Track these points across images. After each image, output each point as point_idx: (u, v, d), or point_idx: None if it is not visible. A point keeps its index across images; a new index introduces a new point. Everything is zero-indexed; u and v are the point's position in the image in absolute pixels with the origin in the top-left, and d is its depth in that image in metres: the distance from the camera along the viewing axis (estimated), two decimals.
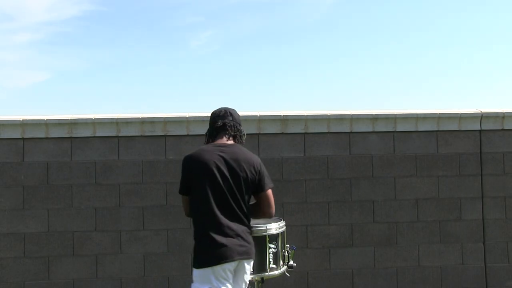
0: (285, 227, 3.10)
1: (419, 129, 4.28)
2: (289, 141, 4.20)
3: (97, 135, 4.07)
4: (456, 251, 4.29)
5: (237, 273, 2.65)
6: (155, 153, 4.11)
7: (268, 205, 2.76)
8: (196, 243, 2.67)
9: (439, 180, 4.29)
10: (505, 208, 4.32)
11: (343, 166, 4.23)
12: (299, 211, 4.18)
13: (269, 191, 2.76)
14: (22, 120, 4.00)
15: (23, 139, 4.04)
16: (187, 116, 4.11)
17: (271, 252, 2.93)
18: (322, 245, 4.20)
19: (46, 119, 4.01)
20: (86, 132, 4.06)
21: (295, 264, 3.11)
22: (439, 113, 4.27)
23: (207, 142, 2.80)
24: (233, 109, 2.87)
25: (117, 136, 4.09)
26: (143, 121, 4.07)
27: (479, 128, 4.33)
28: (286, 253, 3.09)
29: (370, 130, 4.24)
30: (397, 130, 4.27)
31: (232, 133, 2.78)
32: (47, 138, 4.04)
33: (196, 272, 2.63)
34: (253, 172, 2.68)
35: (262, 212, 2.79)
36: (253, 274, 2.84)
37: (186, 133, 4.11)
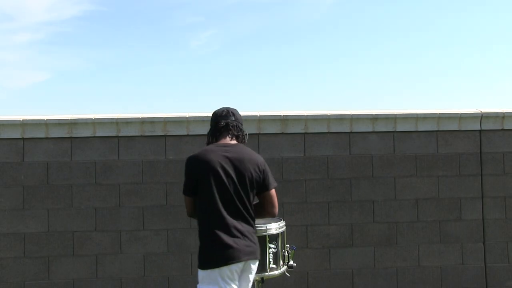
0: (285, 227, 3.10)
1: (419, 129, 4.28)
2: (289, 141, 4.20)
3: (97, 135, 4.07)
4: (456, 251, 4.29)
5: (243, 274, 2.64)
6: (155, 153, 4.11)
7: (272, 204, 2.76)
8: (202, 243, 2.64)
9: (439, 180, 4.29)
10: (505, 208, 4.32)
11: (343, 166, 4.23)
12: (299, 211, 4.18)
13: (273, 191, 2.76)
14: (22, 120, 4.00)
15: (23, 139, 4.04)
16: (187, 116, 4.11)
17: (271, 252, 2.94)
18: (322, 245, 4.20)
19: (46, 119, 4.01)
20: (86, 132, 4.06)
21: (295, 264, 3.11)
22: (439, 113, 4.27)
23: (210, 142, 2.78)
24: (234, 109, 2.86)
25: (117, 136, 4.09)
26: (143, 121, 4.07)
27: (479, 128, 4.33)
28: (286, 253, 3.09)
29: (370, 130, 4.25)
30: (397, 130, 4.27)
31: (235, 133, 2.77)
32: (47, 138, 4.04)
33: (202, 273, 2.60)
34: (258, 171, 2.67)
35: (266, 211, 2.78)
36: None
37: (186, 133, 4.11)
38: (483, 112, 4.31)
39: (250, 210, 2.67)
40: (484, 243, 4.32)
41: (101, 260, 4.05)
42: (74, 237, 4.04)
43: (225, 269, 2.54)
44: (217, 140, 2.75)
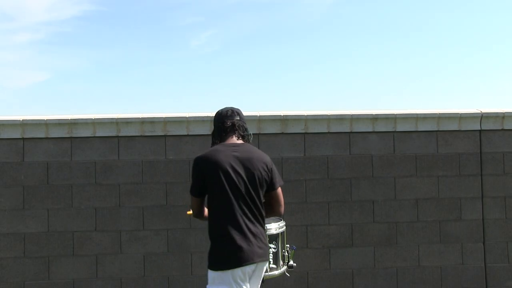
0: (285, 227, 3.09)
1: (419, 129, 4.28)
2: (289, 141, 4.20)
3: (97, 135, 4.07)
4: (456, 251, 4.29)
5: (254, 274, 2.62)
6: (155, 153, 4.11)
7: (279, 203, 2.75)
8: (214, 244, 2.59)
9: (439, 180, 4.29)
10: (505, 208, 4.32)
11: (343, 166, 4.23)
12: (299, 211, 4.18)
13: (280, 189, 2.75)
14: (22, 120, 4.00)
15: (23, 139, 4.04)
16: (187, 116, 4.11)
17: (271, 252, 2.93)
18: (322, 245, 4.20)
19: (46, 119, 4.01)
20: (86, 132, 4.06)
21: (295, 264, 3.11)
22: (439, 113, 4.27)
23: (215, 143, 2.73)
24: (238, 109, 2.83)
25: (117, 136, 4.09)
26: (143, 121, 4.07)
27: (479, 128, 4.33)
28: (286, 253, 3.09)
29: (370, 130, 4.25)
30: (397, 130, 4.27)
31: (242, 133, 2.74)
32: (47, 138, 4.04)
33: (213, 274, 2.56)
34: (266, 170, 2.66)
35: (273, 210, 2.76)
36: None
37: (186, 133, 4.11)
38: (483, 112, 4.31)
39: (261, 209, 2.65)
40: (484, 243, 4.32)
41: (101, 260, 4.05)
42: (74, 237, 4.04)
43: (238, 271, 2.51)
44: (223, 140, 2.71)
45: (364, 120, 4.23)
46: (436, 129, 4.29)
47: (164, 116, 4.08)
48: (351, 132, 4.24)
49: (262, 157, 2.70)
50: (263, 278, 2.90)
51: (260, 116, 4.14)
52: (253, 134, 4.04)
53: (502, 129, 4.34)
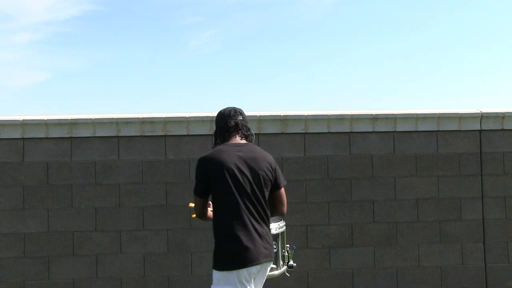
0: (285, 227, 3.10)
1: (419, 129, 4.28)
2: (289, 141, 4.20)
3: (97, 135, 4.07)
4: (456, 251, 4.29)
5: (259, 275, 2.62)
6: (155, 153, 4.11)
7: (282, 203, 2.74)
8: (220, 244, 2.57)
9: (439, 180, 4.29)
10: (505, 208, 4.33)
11: (343, 166, 4.23)
12: (299, 211, 4.18)
13: (283, 189, 2.75)
14: (22, 120, 4.00)
15: (23, 139, 4.04)
16: (187, 116, 4.11)
17: None
18: (322, 245, 4.20)
19: (46, 119, 4.01)
20: (86, 132, 4.06)
21: (295, 264, 3.11)
22: (439, 113, 4.27)
23: (218, 143, 2.72)
24: (241, 109, 2.82)
25: (117, 136, 4.09)
26: (143, 121, 4.07)
27: (479, 128, 4.33)
28: (286, 253, 3.09)
29: (370, 130, 4.25)
30: (397, 130, 4.27)
31: (245, 133, 2.73)
32: (47, 138, 4.04)
33: (219, 274, 2.54)
34: (270, 170, 2.65)
35: (276, 210, 2.75)
36: None
37: (186, 133, 4.11)
38: (483, 112, 4.31)
39: (266, 209, 2.64)
40: (484, 243, 4.32)
41: (101, 260, 4.05)
42: (74, 237, 4.04)
43: (243, 271, 2.50)
44: (226, 140, 2.70)
45: (364, 120, 4.23)
46: (436, 129, 4.29)
47: (164, 116, 4.08)
48: (351, 132, 4.24)
49: (266, 157, 2.69)
50: None
51: (260, 116, 4.14)
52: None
53: (502, 129, 4.34)
